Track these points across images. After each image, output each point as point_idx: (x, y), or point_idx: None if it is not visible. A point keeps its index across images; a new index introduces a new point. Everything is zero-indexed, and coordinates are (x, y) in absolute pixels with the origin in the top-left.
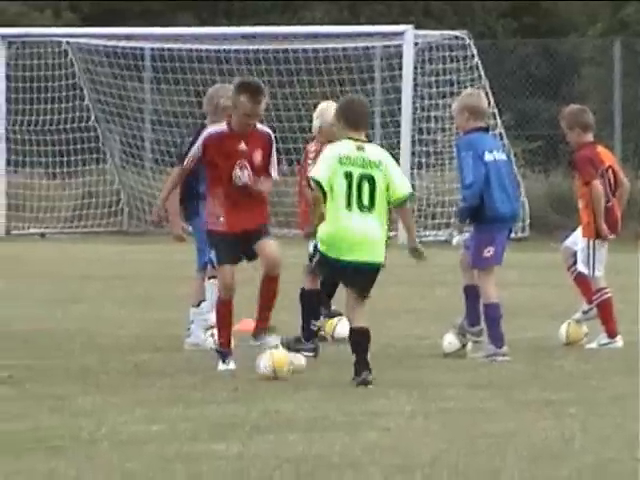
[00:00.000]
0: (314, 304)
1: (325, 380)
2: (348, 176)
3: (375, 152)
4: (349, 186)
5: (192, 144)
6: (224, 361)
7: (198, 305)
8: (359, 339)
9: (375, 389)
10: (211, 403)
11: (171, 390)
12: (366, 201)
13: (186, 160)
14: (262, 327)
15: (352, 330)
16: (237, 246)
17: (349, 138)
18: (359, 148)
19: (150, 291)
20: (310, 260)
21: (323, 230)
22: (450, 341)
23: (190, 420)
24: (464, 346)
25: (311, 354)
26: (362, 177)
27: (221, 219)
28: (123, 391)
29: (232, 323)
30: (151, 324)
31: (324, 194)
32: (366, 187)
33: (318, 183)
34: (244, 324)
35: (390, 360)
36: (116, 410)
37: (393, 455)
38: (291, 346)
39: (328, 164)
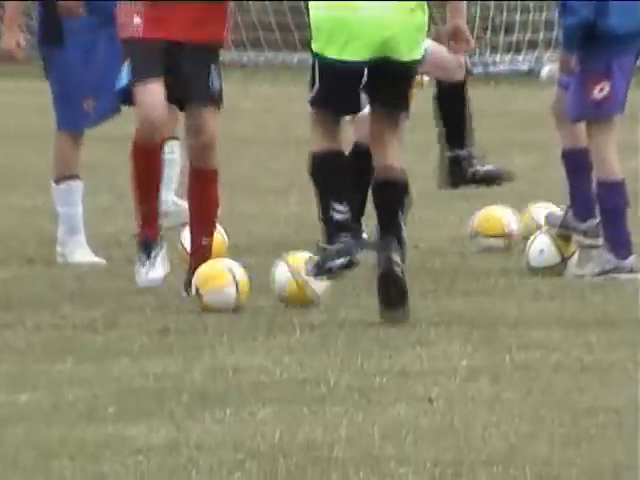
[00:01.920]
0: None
1: (291, 390)
2: None
3: None
4: None
5: None
6: (149, 256)
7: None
8: (391, 190)
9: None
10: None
11: None
12: None
13: None
14: (196, 262)
15: (381, 180)
16: (161, 59)
17: None
18: None
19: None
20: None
21: (316, 14)
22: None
23: None
24: (565, 260)
25: (340, 264)
26: None
27: (137, 20)
28: None
29: (159, 188)
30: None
31: None
32: None
33: None
34: None
35: (425, 276)
36: None
37: (437, 447)
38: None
39: None
